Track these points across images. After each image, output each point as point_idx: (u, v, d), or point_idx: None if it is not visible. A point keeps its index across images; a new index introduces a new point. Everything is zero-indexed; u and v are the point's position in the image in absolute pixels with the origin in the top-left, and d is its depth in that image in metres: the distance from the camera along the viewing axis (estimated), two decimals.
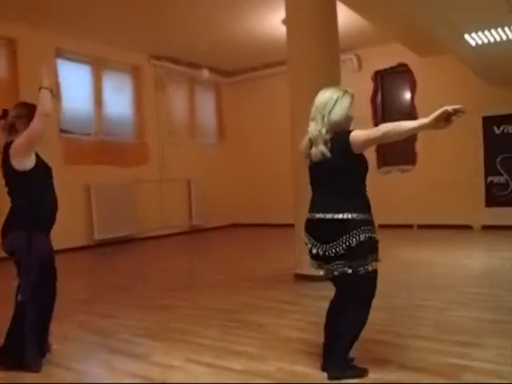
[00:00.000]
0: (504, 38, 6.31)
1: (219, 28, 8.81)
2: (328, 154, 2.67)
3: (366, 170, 2.75)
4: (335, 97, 2.72)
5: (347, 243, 2.57)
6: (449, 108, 2.30)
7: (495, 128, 9.25)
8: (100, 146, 9.34)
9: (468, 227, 9.27)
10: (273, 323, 3.86)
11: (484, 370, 2.76)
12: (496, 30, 6.04)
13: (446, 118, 2.34)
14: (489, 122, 9.26)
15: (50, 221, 3.12)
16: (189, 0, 7.47)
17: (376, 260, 2.65)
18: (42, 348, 3.06)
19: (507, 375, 2.67)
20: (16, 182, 3.03)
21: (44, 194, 3.08)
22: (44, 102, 2.92)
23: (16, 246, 2.96)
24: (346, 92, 2.75)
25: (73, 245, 8.15)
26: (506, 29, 6.02)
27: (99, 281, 5.61)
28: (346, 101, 2.72)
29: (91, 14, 7.84)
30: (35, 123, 2.90)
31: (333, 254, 2.62)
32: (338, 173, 2.68)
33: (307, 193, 5.51)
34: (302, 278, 5.43)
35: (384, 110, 10.48)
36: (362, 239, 2.57)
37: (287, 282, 5.45)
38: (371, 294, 2.70)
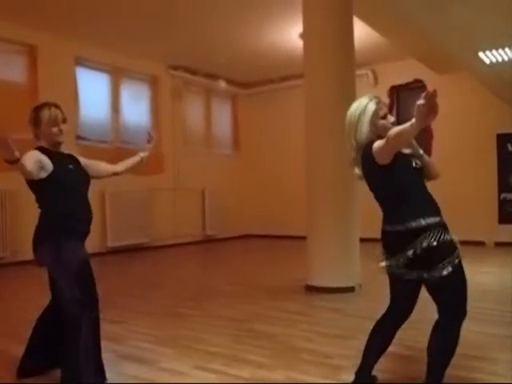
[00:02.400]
0: None
1: (237, 40, 8.93)
2: (362, 177, 2.67)
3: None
4: (358, 113, 2.59)
5: None
6: (418, 102, 2.15)
7: (509, 145, 9.24)
8: (116, 154, 9.43)
9: (481, 243, 9.23)
10: (283, 333, 3.88)
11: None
12: (510, 48, 6.07)
13: (428, 110, 2.16)
14: (503, 140, 9.26)
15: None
16: (208, 12, 7.60)
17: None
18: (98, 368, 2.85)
19: None
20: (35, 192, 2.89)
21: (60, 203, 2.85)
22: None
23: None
24: (370, 101, 2.60)
25: None
26: None
27: (111, 287, 5.66)
28: (368, 112, 2.57)
29: (111, 24, 8.01)
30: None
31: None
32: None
33: (320, 205, 5.61)
34: (313, 289, 5.46)
35: (399, 125, 10.48)
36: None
37: (298, 292, 5.47)
38: None
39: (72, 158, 3.07)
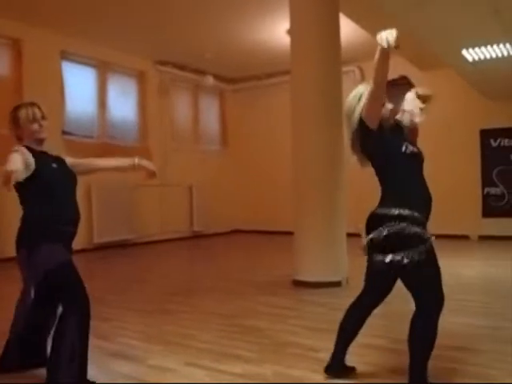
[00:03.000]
0: (499, 54, 6.44)
1: (224, 36, 8.93)
2: (360, 164, 2.77)
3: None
4: (354, 102, 2.67)
5: None
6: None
7: (492, 141, 9.42)
8: (102, 149, 9.41)
9: (465, 237, 9.38)
10: (271, 328, 3.93)
11: (477, 373, 2.85)
12: (492, 46, 6.17)
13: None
14: (486, 135, 9.44)
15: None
16: (195, 7, 7.58)
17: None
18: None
19: (500, 378, 2.76)
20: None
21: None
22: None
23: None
24: (366, 90, 2.62)
25: None
26: (502, 46, 6.15)
27: (97, 284, 5.65)
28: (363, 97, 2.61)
29: (97, 18, 7.95)
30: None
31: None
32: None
33: (307, 200, 5.65)
34: (300, 284, 5.52)
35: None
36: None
37: (286, 287, 5.53)
38: None
39: (58, 159, 3.02)
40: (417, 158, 2.69)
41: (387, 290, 2.75)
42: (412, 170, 2.65)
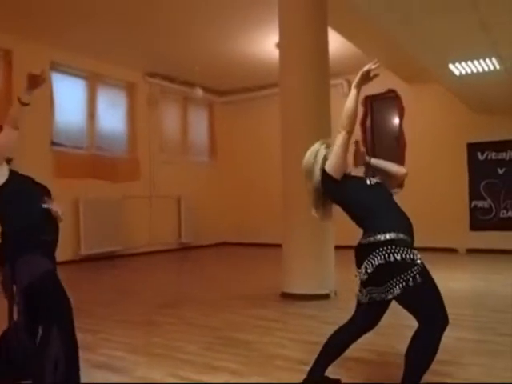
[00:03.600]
0: (486, 68, 6.53)
1: (214, 48, 8.96)
2: (321, 218, 2.95)
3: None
4: (311, 161, 2.81)
5: None
6: (364, 68, 2.55)
7: (479, 154, 9.50)
8: (91, 160, 9.37)
9: (453, 250, 9.41)
10: (258, 340, 3.90)
11: None
12: (478, 60, 6.25)
13: (366, 78, 2.58)
14: (473, 149, 9.53)
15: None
16: (185, 20, 7.62)
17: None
18: None
19: None
20: None
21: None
22: (20, 118, 2.74)
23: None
24: (320, 146, 2.83)
25: (58, 259, 8.03)
26: (488, 60, 6.23)
27: (84, 296, 5.58)
28: (319, 160, 2.78)
29: (88, 30, 7.96)
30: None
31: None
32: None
33: (295, 213, 5.64)
34: (288, 296, 5.49)
35: (373, 134, 10.69)
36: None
37: (274, 300, 5.50)
38: None
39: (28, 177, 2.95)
40: (382, 187, 2.73)
41: (381, 316, 2.72)
42: (383, 197, 2.69)
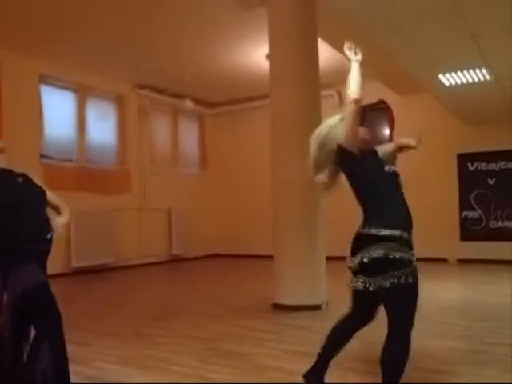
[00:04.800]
0: (476, 79, 6.60)
1: (204, 60, 8.99)
2: (326, 186, 2.86)
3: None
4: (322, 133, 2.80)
5: None
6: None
7: (469, 165, 9.58)
8: (81, 173, 9.32)
9: (444, 260, 9.45)
10: (249, 352, 3.87)
11: None
12: (468, 71, 6.32)
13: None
14: (463, 159, 9.62)
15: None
16: (174, 31, 7.65)
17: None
18: None
19: None
20: None
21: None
22: None
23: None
24: (339, 121, 2.79)
25: (49, 272, 7.97)
26: (478, 71, 6.31)
27: (75, 308, 5.53)
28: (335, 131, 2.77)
29: (76, 42, 7.96)
30: None
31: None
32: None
33: (286, 224, 5.64)
34: (280, 307, 5.47)
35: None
36: None
37: (265, 311, 5.47)
38: None
39: (23, 175, 2.95)
40: (396, 178, 2.77)
41: (373, 311, 2.73)
42: (393, 187, 2.72)
